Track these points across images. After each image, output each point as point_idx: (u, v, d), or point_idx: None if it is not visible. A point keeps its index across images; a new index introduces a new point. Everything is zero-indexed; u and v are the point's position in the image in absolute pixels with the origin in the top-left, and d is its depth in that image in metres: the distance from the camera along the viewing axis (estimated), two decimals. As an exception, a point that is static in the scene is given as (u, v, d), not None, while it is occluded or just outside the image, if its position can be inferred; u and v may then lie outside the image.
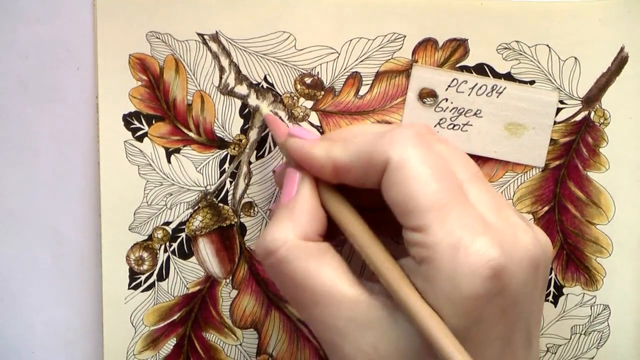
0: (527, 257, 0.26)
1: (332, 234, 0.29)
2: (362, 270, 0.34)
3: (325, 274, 0.27)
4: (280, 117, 0.34)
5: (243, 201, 0.35)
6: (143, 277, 0.35)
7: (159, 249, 0.35)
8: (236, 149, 0.34)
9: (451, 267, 0.24)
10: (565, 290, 0.35)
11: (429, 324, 0.24)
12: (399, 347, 0.25)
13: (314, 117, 0.34)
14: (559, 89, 0.34)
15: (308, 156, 0.29)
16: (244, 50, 0.34)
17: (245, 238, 0.35)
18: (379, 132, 0.28)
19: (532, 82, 0.34)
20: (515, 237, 0.26)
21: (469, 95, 0.34)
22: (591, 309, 0.36)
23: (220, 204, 0.35)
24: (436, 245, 0.24)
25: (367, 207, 0.29)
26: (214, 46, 0.34)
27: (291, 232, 0.27)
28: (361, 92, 0.34)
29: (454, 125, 0.34)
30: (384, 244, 0.27)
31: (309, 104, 0.34)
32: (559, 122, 0.34)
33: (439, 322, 0.24)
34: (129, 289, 0.35)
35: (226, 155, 0.34)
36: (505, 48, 0.34)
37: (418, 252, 0.25)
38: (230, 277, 0.35)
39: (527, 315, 0.26)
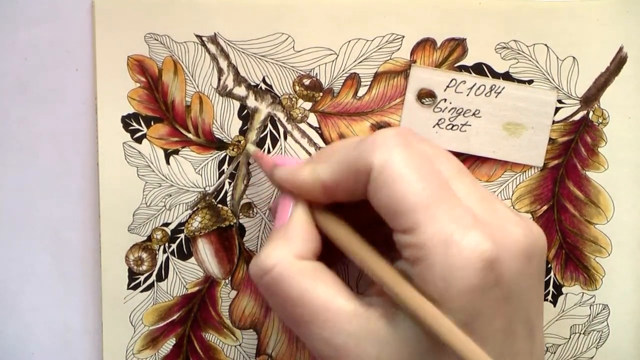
0: (519, 248, 0.26)
1: (332, 261, 0.29)
2: (356, 288, 0.35)
3: (321, 290, 0.27)
4: (279, 119, 0.34)
5: (242, 202, 0.35)
6: (142, 278, 0.35)
7: (158, 250, 0.35)
8: (235, 150, 0.34)
9: (444, 263, 0.24)
10: (564, 290, 0.35)
11: (437, 322, 0.24)
12: (402, 355, 0.25)
13: (312, 119, 0.34)
14: (557, 88, 0.34)
15: (296, 181, 0.29)
16: (243, 52, 0.34)
17: (245, 239, 0.35)
18: (359, 140, 0.28)
19: (530, 82, 0.34)
20: (506, 229, 0.26)
21: (467, 95, 0.34)
22: (590, 308, 0.36)
23: (219, 205, 0.35)
24: (427, 244, 0.24)
25: (365, 223, 0.28)
26: (212, 48, 0.34)
27: (285, 251, 0.27)
28: (360, 93, 0.34)
29: (453, 126, 0.34)
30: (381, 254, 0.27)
31: (308, 105, 0.34)
32: (558, 122, 0.34)
33: (446, 319, 0.24)
34: (128, 288, 0.35)
35: (225, 156, 0.34)
36: (504, 47, 0.34)
37: (410, 253, 0.25)
38: (230, 278, 0.35)
39: (526, 307, 0.26)
